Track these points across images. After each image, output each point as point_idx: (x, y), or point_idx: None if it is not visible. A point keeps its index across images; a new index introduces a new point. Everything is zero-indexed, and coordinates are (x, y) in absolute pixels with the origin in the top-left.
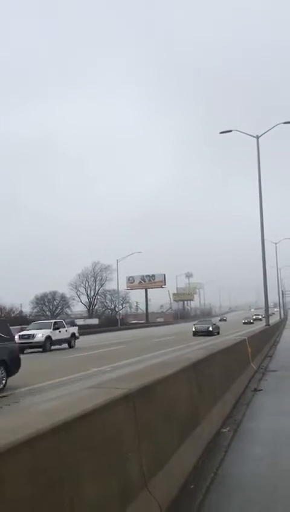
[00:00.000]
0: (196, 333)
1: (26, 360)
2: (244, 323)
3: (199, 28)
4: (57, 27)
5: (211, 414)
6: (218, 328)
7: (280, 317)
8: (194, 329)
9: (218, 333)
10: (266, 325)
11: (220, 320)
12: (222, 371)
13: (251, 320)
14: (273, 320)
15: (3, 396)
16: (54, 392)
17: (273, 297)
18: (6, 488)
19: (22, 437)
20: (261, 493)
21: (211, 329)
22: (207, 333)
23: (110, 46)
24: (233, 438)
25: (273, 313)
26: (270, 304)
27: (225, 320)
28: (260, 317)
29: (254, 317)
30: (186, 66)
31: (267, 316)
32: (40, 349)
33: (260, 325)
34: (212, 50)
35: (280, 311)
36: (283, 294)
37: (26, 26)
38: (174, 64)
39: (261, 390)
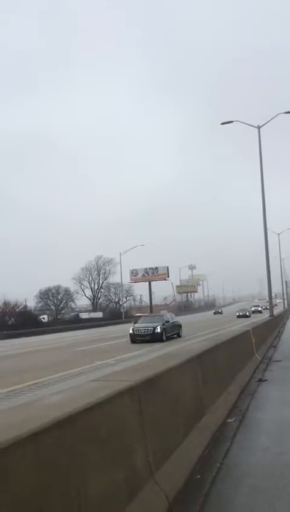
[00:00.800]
0: (134, 339)
1: (32, 356)
2: (238, 316)
3: (201, 21)
4: (53, 21)
5: (216, 405)
6: (177, 327)
7: (284, 308)
8: (131, 332)
9: (178, 335)
10: (270, 316)
11: (214, 313)
12: (227, 361)
13: (247, 313)
14: (277, 311)
15: (10, 391)
16: (59, 385)
17: (276, 288)
18: (12, 482)
19: (27, 431)
20: (268, 482)
21: (158, 330)
22: (151, 338)
23: (109, 36)
24: (239, 429)
25: (276, 304)
26: (274, 295)
27: (220, 313)
28: (259, 308)
29: (253, 309)
30: (188, 60)
31: (271, 306)
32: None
33: (257, 319)
34: (215, 42)
35: (283, 302)
36: (286, 284)
37: (17, 21)
38: (174, 57)
39: (266, 380)
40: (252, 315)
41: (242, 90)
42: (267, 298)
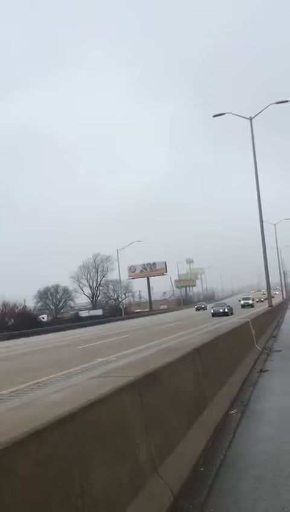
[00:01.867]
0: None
1: (32, 355)
2: (214, 314)
3: (189, 13)
4: (38, 14)
5: (218, 397)
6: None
7: (283, 298)
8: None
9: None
10: (269, 306)
11: (197, 309)
12: (227, 353)
13: (225, 309)
14: (275, 301)
15: (12, 391)
16: (60, 384)
17: (274, 279)
18: (16, 481)
19: (29, 430)
20: (272, 471)
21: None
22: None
23: (97, 30)
24: (241, 420)
25: (273, 296)
26: (272, 287)
27: (203, 308)
28: (250, 302)
29: (242, 302)
30: (177, 52)
31: (270, 297)
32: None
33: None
34: (205, 33)
35: (282, 292)
36: (284, 275)
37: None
38: (164, 51)
39: (267, 371)
40: (238, 311)
41: (236, 79)
42: (262, 290)
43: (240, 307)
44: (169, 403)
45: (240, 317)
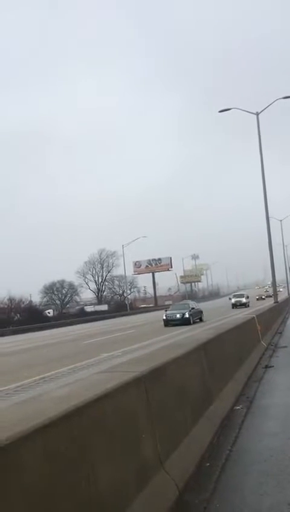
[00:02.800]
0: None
1: (38, 350)
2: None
3: (200, 8)
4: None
5: (223, 392)
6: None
7: (289, 294)
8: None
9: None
10: (274, 302)
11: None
12: (232, 349)
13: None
14: (281, 297)
15: (18, 386)
16: (66, 378)
17: (280, 275)
18: (23, 475)
19: (35, 424)
20: (278, 467)
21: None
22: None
23: (106, 25)
24: (246, 415)
25: (278, 293)
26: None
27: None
28: (243, 300)
29: (233, 300)
30: (186, 46)
31: (275, 293)
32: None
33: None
34: (214, 28)
35: (288, 288)
36: None
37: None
38: (174, 47)
39: (273, 366)
40: (225, 314)
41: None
42: (263, 286)
43: (231, 306)
44: (175, 398)
45: (245, 313)
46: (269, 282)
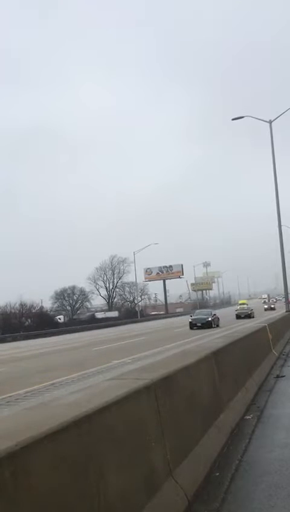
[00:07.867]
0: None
1: (49, 356)
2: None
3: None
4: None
5: (233, 402)
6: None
7: None
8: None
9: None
10: (286, 311)
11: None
12: (243, 358)
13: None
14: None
15: (27, 391)
16: (76, 385)
17: None
18: (32, 481)
19: (46, 430)
20: (288, 479)
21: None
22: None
23: (115, 28)
24: (257, 425)
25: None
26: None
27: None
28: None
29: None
30: (196, 51)
31: (288, 302)
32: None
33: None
34: (234, 28)
35: None
36: None
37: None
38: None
39: (284, 376)
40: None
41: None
42: (274, 296)
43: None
44: (185, 407)
45: (256, 322)
46: (264, 295)
